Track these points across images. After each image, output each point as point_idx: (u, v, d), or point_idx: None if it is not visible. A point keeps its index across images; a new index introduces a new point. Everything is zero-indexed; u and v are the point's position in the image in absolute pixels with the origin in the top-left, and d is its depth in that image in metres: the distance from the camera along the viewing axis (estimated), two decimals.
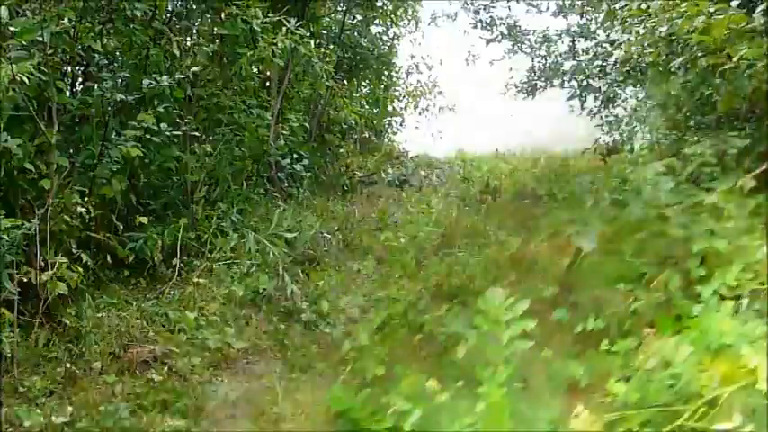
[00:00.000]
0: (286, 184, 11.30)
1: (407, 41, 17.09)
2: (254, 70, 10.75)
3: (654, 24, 6.98)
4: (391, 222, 11.86)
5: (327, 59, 11.32)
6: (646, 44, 8.00)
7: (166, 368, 6.19)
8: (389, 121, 17.58)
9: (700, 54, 6.29)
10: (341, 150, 14.62)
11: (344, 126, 14.57)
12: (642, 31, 7.60)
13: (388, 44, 16.29)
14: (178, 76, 7.93)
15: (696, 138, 7.84)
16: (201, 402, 5.81)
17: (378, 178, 14.89)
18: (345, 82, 14.64)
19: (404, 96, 17.60)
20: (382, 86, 16.63)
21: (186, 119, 8.35)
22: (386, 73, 16.49)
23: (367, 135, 16.60)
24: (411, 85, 17.68)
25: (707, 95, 7.65)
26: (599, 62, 12.80)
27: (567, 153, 16.58)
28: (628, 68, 10.54)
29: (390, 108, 17.27)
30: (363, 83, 16.31)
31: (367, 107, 16.07)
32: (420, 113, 17.70)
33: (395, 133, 17.82)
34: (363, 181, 14.55)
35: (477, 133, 18.27)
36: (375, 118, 16.58)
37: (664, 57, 8.00)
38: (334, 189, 13.45)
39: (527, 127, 18.16)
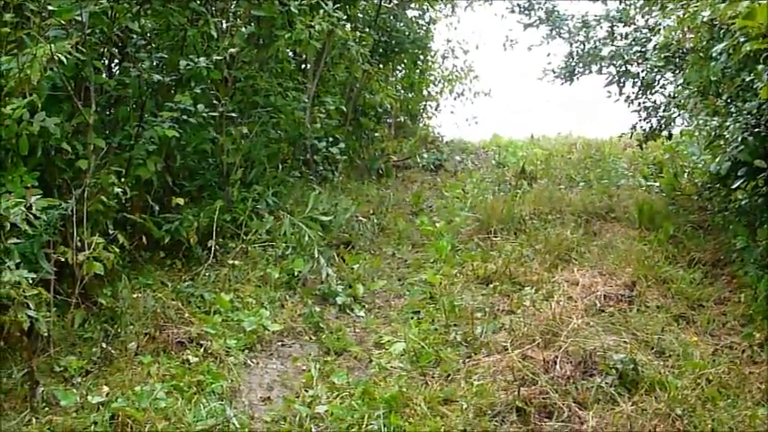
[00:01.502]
0: (321, 168, 11.29)
1: (443, 25, 17.05)
2: (291, 53, 10.73)
3: (696, 9, 6.91)
4: (426, 207, 11.86)
5: (363, 43, 11.28)
6: (686, 29, 7.93)
7: (202, 349, 6.19)
8: (424, 105, 17.49)
9: (742, 39, 6.20)
10: (376, 134, 14.57)
11: (380, 110, 14.47)
12: (683, 16, 7.52)
13: (424, 28, 16.20)
14: (215, 57, 7.92)
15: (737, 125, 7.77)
16: (237, 384, 5.83)
17: (413, 162, 14.88)
18: (381, 66, 14.58)
19: (439, 81, 17.49)
20: (418, 71, 16.54)
21: (222, 100, 8.34)
22: (421, 57, 16.40)
23: (402, 119, 16.55)
24: (447, 69, 17.58)
25: (748, 82, 7.56)
26: (638, 47, 12.73)
27: (603, 139, 16.54)
28: (667, 54, 10.45)
29: (425, 92, 17.18)
30: (399, 67, 16.21)
31: (402, 91, 15.99)
32: (455, 98, 17.59)
33: (430, 118, 17.74)
34: (398, 165, 14.54)
35: (512, 118, 18.21)
36: (410, 102, 16.50)
37: (704, 42, 7.92)
38: (369, 173, 13.45)
39: (563, 112, 18.12)
